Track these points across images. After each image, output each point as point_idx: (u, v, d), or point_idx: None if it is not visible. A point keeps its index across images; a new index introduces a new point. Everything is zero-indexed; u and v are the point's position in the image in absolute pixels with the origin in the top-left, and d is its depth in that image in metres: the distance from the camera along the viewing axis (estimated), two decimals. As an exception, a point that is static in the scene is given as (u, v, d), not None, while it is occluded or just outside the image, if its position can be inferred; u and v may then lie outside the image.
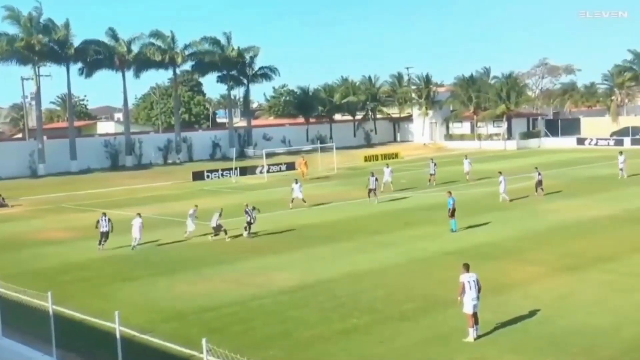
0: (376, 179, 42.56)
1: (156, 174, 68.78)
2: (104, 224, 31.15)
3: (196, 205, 34.77)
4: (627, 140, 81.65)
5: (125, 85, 79.37)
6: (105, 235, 31.09)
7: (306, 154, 73.68)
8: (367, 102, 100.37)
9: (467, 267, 17.96)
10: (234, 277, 25.08)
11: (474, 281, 17.65)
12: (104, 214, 31.88)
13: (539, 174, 42.92)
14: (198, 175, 63.89)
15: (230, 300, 22.03)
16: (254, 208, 33.44)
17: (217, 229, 32.52)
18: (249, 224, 33.00)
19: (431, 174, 51.54)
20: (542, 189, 42.50)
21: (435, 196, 44.12)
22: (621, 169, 49.36)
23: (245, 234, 32.79)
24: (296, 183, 42.21)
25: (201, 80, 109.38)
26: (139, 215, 31.82)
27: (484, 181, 51.44)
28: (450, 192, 33.30)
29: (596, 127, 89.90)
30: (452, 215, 32.00)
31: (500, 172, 42.23)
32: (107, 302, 22.15)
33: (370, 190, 42.24)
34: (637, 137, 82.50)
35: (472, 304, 17.49)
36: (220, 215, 32.85)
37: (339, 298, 21.92)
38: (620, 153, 50.42)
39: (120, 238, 32.26)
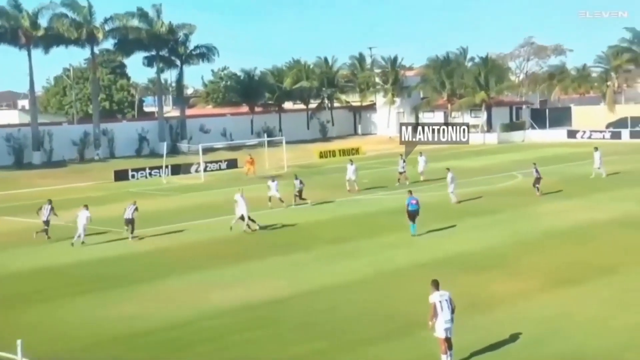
0: (300, 182, 43.82)
1: (71, 173, 67.70)
2: (45, 213, 34.64)
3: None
4: (625, 133, 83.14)
5: (31, 65, 77.82)
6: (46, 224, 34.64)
7: (251, 149, 73.25)
8: (323, 89, 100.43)
9: (436, 285, 17.86)
10: (170, 295, 24.76)
11: (446, 300, 17.58)
12: (49, 201, 35.55)
13: (537, 171, 43.66)
14: (121, 175, 63.02)
15: (165, 323, 21.70)
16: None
17: (130, 223, 34.65)
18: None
19: (400, 172, 51.70)
20: (538, 188, 43.21)
21: (404, 198, 44.17)
22: (598, 167, 50.59)
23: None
24: (272, 181, 43.69)
25: (125, 61, 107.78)
26: (86, 207, 34.52)
27: (461, 182, 51.69)
28: (410, 192, 34.66)
29: (590, 117, 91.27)
30: (410, 217, 33.09)
31: (448, 169, 43.70)
32: (7, 327, 21.60)
33: (296, 196, 43.51)
34: (637, 129, 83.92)
35: (444, 327, 17.42)
36: (136, 209, 34.83)
37: (294, 319, 21.69)
38: (596, 149, 51.62)
39: (29, 250, 31.43)
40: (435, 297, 17.56)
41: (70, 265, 30.11)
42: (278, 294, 24.29)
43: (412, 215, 33.08)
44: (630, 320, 20.48)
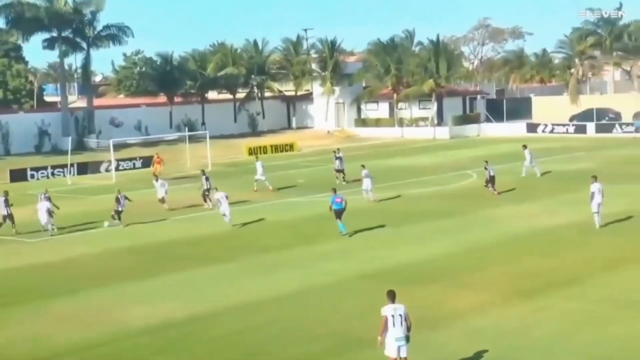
0: (207, 178, 44.94)
1: (-42, 174, 66.40)
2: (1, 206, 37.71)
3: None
4: (590, 127, 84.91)
5: None
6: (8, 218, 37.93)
7: (170, 145, 72.90)
8: (252, 76, 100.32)
9: (392, 297, 17.95)
10: (77, 313, 24.59)
11: (400, 315, 17.65)
12: (6, 193, 38.75)
13: (486, 169, 45.08)
14: (18, 175, 62.21)
15: (70, 346, 21.52)
16: (125, 197, 39.68)
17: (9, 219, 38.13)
18: (118, 212, 39.02)
19: (337, 170, 52.13)
20: (494, 188, 44.46)
21: (351, 200, 44.59)
22: (533, 165, 52.27)
23: (107, 223, 38.93)
24: (157, 180, 45.62)
25: (21, 43, 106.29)
26: (46, 196, 39.17)
27: (404, 182, 52.25)
28: (334, 190, 36.71)
29: (551, 108, 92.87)
30: (336, 215, 34.91)
31: (362, 166, 45.80)
32: None
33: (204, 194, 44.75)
34: (604, 121, 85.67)
35: (396, 345, 17.52)
36: (6, 201, 37.96)
37: (219, 339, 21.71)
38: (525, 147, 53.21)
39: None
40: (388, 311, 17.61)
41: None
42: (196, 311, 24.28)
43: (338, 213, 34.90)
44: (596, 335, 20.91)
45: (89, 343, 21.74)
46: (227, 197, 38.57)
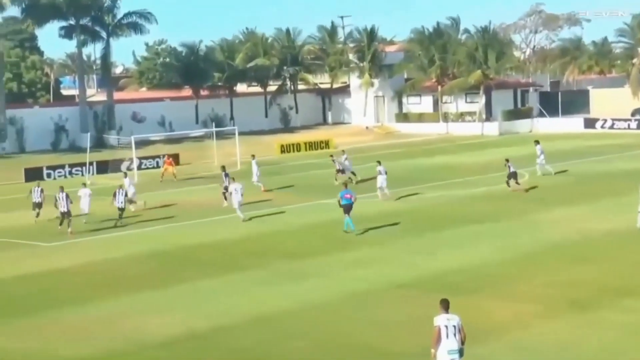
0: (227, 175, 45.90)
1: (-31, 172, 67.21)
2: (64, 203, 38.82)
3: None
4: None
5: None
6: (67, 215, 39.03)
7: (195, 143, 73.25)
8: (285, 67, 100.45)
9: (445, 306, 17.93)
10: (86, 326, 24.70)
11: (454, 326, 17.62)
12: (62, 189, 39.81)
13: (507, 166, 46.97)
14: (34, 174, 62.69)
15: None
16: (120, 187, 42.43)
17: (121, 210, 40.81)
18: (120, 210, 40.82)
19: (338, 171, 53.69)
20: (517, 182, 46.50)
21: (390, 201, 44.76)
22: (544, 163, 52.88)
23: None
24: (125, 177, 47.89)
25: (36, 32, 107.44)
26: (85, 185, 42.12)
27: (448, 183, 52.18)
28: (345, 185, 39.08)
29: (611, 102, 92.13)
30: (348, 211, 36.41)
31: (378, 162, 46.68)
32: None
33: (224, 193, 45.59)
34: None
35: (449, 358, 17.47)
36: (67, 196, 39.07)
37: (240, 352, 21.83)
38: (537, 142, 53.73)
39: None
40: (441, 321, 17.61)
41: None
42: (218, 321, 24.41)
43: (347, 209, 36.49)
44: (650, 352, 20.85)
45: (100, 356, 21.90)
46: (242, 189, 40.96)
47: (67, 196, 39.41)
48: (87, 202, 42.01)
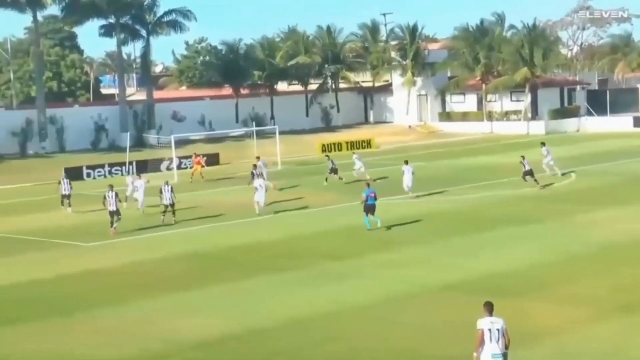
0: (260, 164, 47.88)
1: (9, 171, 67.77)
2: (112, 202, 39.31)
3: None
4: None
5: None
6: (115, 214, 39.46)
7: (235, 142, 73.33)
8: (326, 65, 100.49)
9: (489, 309, 17.82)
10: (124, 326, 24.80)
11: (498, 330, 17.48)
12: (111, 187, 40.28)
13: (522, 163, 48.47)
14: (73, 173, 62.71)
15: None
16: (166, 182, 42.38)
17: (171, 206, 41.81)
18: (171, 206, 41.55)
19: (332, 170, 54.50)
20: (535, 180, 47.80)
21: (433, 202, 44.55)
22: (552, 164, 53.28)
23: (162, 218, 41.46)
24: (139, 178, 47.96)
25: (76, 30, 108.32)
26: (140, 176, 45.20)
27: (492, 183, 51.90)
28: (368, 184, 39.98)
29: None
30: (367, 211, 37.58)
31: (406, 161, 47.65)
32: None
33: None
34: None
35: (491, 363, 17.40)
36: (116, 194, 39.80)
37: (277, 354, 21.83)
38: (543, 144, 54.04)
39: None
40: (485, 324, 17.49)
41: (6, 287, 30.37)
42: (255, 324, 24.39)
43: (371, 209, 37.70)
44: None
45: (136, 357, 21.98)
46: (264, 185, 43.78)
47: (117, 195, 39.90)
48: (142, 193, 44.73)
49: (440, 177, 53.60)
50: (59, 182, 47.29)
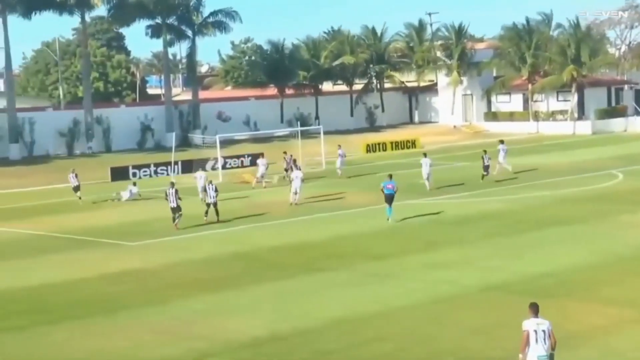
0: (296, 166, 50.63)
1: (56, 171, 68.19)
2: (172, 198, 40.38)
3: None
4: None
5: (7, 36, 78.56)
6: (176, 210, 40.57)
7: (280, 142, 73.42)
8: (371, 65, 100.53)
9: (535, 310, 17.73)
10: (169, 326, 25.01)
11: (544, 331, 17.40)
12: (172, 184, 41.67)
13: (483, 158, 52.10)
14: (120, 173, 63.71)
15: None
16: (210, 182, 43.09)
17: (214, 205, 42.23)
18: (214, 205, 42.00)
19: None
20: (488, 173, 52.26)
21: (478, 202, 44.56)
22: (504, 162, 55.33)
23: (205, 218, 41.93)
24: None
25: (123, 31, 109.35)
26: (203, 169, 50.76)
27: (536, 184, 51.70)
28: (390, 176, 41.60)
29: None
30: (389, 202, 39.66)
31: (424, 154, 51.81)
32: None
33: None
34: None
35: (537, 364, 17.37)
36: (176, 192, 40.90)
37: (324, 354, 21.87)
38: (502, 142, 56.43)
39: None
40: (530, 325, 17.42)
41: (46, 290, 30.60)
42: (300, 324, 24.50)
43: (389, 199, 39.76)
44: None
45: (182, 356, 22.10)
46: (302, 177, 47.20)
47: (177, 192, 40.94)
48: (202, 185, 46.50)
49: (485, 178, 53.30)
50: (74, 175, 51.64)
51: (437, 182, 52.50)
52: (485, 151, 52.98)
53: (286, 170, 56.09)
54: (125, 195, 52.04)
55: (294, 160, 54.75)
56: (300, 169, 49.58)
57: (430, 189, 49.41)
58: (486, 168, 52.19)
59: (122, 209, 47.94)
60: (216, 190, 42.36)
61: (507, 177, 53.54)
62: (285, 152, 59.95)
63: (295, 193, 46.18)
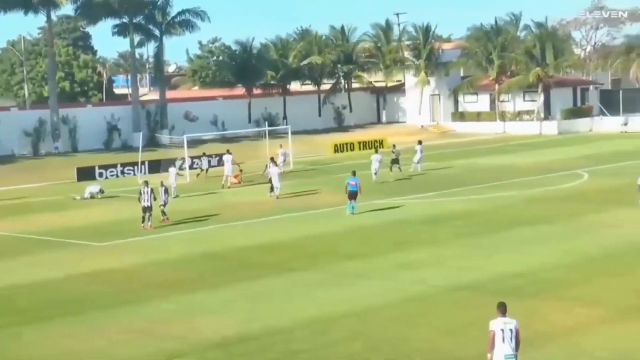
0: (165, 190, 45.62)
1: (22, 171, 68.05)
2: (147, 197, 40.07)
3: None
4: None
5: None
6: (147, 210, 40.33)
7: (247, 142, 73.30)
8: (339, 65, 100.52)
9: (503, 309, 17.79)
10: (141, 325, 24.96)
11: (511, 330, 17.47)
12: (146, 183, 41.22)
13: (393, 152, 55.68)
14: (85, 173, 63.36)
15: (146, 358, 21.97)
16: (161, 184, 43.34)
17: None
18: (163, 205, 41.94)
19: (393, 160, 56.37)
20: (399, 168, 55.25)
21: (445, 202, 44.60)
22: (417, 162, 58.50)
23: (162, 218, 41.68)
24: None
25: (89, 30, 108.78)
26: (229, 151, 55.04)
27: (504, 183, 51.96)
28: (354, 172, 42.64)
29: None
30: (352, 197, 41.24)
31: (420, 141, 56.09)
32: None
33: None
34: None
35: (503, 364, 17.45)
36: (152, 191, 40.66)
37: (295, 355, 21.91)
38: (420, 142, 60.07)
39: None
40: (497, 324, 17.47)
41: (16, 291, 30.42)
42: (275, 323, 24.50)
43: (352, 195, 41.43)
44: None
45: (154, 357, 22.07)
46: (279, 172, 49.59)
47: (152, 191, 40.70)
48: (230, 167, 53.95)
49: (453, 177, 53.58)
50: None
51: (404, 182, 52.74)
52: (394, 145, 58.34)
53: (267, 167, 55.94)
54: (86, 193, 52.14)
55: (272, 158, 54.31)
56: (277, 165, 51.39)
57: (375, 182, 51.85)
58: (394, 161, 55.22)
59: (89, 209, 47.63)
60: (166, 192, 42.77)
61: (403, 177, 55.69)
62: (281, 146, 63.47)
63: (276, 188, 48.26)
